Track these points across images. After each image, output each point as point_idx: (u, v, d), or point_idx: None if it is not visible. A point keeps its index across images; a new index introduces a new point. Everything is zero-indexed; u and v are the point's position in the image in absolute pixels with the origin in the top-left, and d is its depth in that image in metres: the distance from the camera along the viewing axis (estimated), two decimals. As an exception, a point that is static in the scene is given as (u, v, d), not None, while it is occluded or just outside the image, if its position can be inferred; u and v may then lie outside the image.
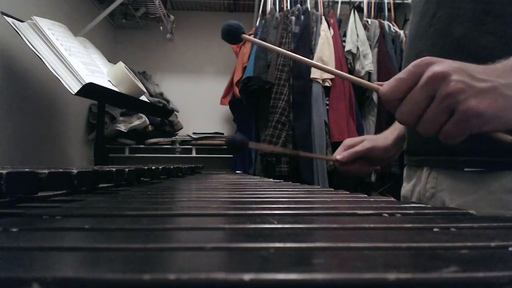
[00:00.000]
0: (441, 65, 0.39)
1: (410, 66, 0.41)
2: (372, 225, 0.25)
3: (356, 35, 2.12)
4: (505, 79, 0.40)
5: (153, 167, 0.71)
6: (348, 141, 0.76)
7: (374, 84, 0.45)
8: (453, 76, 0.38)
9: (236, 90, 2.16)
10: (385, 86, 0.42)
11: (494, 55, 0.53)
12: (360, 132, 2.02)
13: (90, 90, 1.26)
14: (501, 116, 0.39)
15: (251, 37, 0.57)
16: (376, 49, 2.11)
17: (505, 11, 0.53)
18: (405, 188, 0.71)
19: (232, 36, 0.54)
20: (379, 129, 1.92)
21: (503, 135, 0.41)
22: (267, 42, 2.23)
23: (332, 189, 0.56)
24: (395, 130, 0.76)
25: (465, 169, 0.56)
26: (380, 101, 2.19)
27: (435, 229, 0.24)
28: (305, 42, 2.06)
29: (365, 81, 0.48)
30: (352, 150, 0.73)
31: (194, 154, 2.35)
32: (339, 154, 0.74)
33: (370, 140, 0.74)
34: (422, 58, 0.41)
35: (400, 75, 0.41)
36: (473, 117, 0.38)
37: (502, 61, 0.42)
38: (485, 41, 0.54)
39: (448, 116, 0.39)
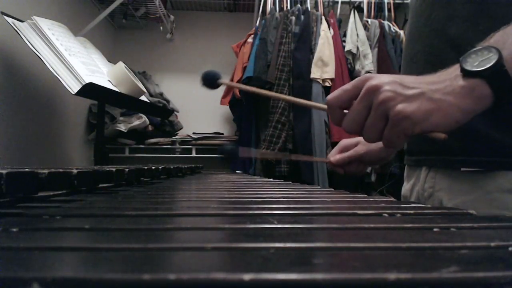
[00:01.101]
0: (376, 79, 0.44)
1: (354, 81, 0.46)
2: (372, 225, 0.25)
3: (356, 35, 2.12)
4: (434, 86, 0.43)
5: (153, 167, 0.71)
6: (343, 142, 0.78)
7: (322, 105, 0.52)
8: (384, 87, 0.43)
9: (236, 90, 2.16)
10: (331, 94, 0.48)
11: None
12: (360, 132, 2.02)
13: (90, 90, 1.26)
14: (429, 118, 0.42)
15: (228, 82, 0.63)
16: (376, 49, 2.11)
17: (500, 12, 0.53)
18: (405, 187, 0.72)
19: (210, 83, 0.59)
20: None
21: (436, 133, 0.44)
22: (267, 42, 2.21)
23: (332, 189, 0.57)
24: None
25: (462, 169, 0.57)
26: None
27: (435, 229, 0.24)
28: (305, 42, 2.06)
29: (314, 104, 0.55)
30: (346, 155, 0.76)
31: (194, 154, 2.35)
32: (333, 156, 0.76)
33: (364, 144, 0.76)
34: (364, 75, 0.47)
35: (346, 86, 0.47)
36: (403, 120, 0.42)
37: (439, 72, 0.46)
38: (480, 41, 0.54)
39: (384, 123, 0.44)
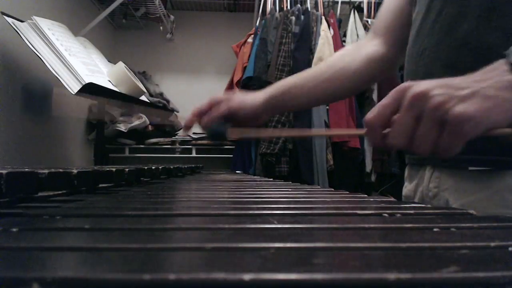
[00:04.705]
0: (420, 85, 0.40)
1: (391, 92, 0.42)
2: (372, 225, 0.25)
3: (356, 35, 2.12)
4: (484, 83, 0.41)
5: (153, 167, 0.71)
6: (213, 98, 0.73)
7: (359, 131, 0.46)
8: (434, 91, 0.39)
9: (236, 90, 2.16)
10: (369, 113, 0.43)
11: (500, 52, 0.53)
12: (360, 132, 2.02)
13: (90, 90, 1.26)
14: (490, 115, 0.40)
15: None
16: (376, 49, 2.11)
17: None
18: (407, 188, 0.71)
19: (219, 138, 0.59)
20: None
21: (502, 130, 0.41)
22: (267, 42, 2.20)
23: (332, 189, 0.56)
24: (268, 91, 0.74)
25: (469, 168, 0.56)
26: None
27: (435, 229, 0.24)
28: (305, 42, 2.06)
29: (351, 131, 0.49)
30: (216, 114, 0.71)
31: (194, 154, 2.35)
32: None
33: (236, 101, 0.72)
34: (401, 84, 0.42)
35: (383, 101, 0.42)
36: (465, 122, 0.39)
37: (481, 70, 0.44)
38: (491, 38, 0.54)
39: (439, 130, 0.40)
